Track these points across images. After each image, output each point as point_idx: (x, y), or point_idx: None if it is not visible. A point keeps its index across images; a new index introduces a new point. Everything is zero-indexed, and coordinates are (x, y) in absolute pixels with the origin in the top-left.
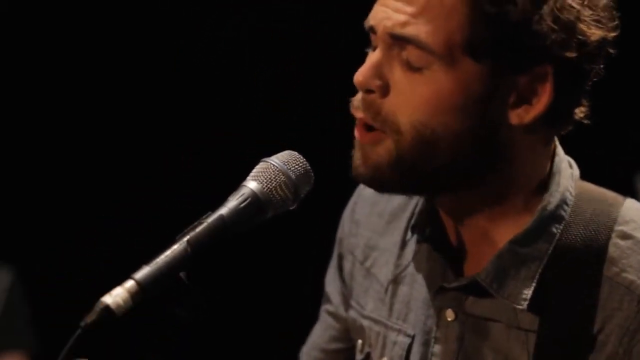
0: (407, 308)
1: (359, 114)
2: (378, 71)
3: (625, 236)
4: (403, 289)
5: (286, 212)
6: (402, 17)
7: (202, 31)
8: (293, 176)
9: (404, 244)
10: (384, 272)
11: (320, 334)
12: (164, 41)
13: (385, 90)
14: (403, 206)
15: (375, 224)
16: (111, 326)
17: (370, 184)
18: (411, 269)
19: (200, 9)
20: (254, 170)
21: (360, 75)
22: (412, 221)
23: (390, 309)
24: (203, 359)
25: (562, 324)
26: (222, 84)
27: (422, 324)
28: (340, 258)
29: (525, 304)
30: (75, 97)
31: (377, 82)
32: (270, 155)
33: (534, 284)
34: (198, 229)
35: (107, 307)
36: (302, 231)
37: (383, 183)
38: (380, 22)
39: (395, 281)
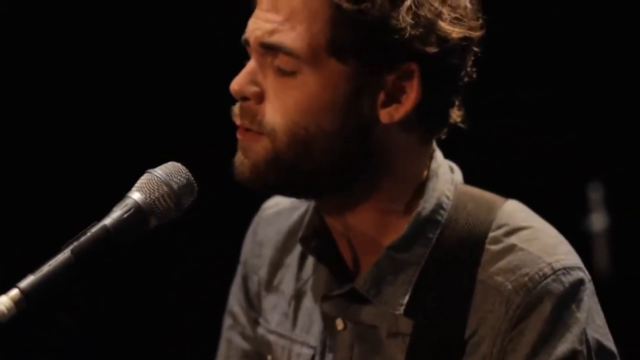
0: (310, 320)
1: (238, 121)
2: (252, 79)
3: (496, 240)
4: (305, 302)
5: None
6: (269, 26)
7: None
8: (175, 187)
9: (303, 257)
10: (288, 288)
11: (228, 355)
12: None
13: (260, 96)
14: (300, 221)
15: (276, 242)
16: None
17: (250, 183)
18: (311, 281)
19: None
20: (138, 182)
21: (235, 84)
22: (300, 234)
23: (294, 322)
24: None
25: (436, 328)
26: None
27: (321, 335)
28: (245, 279)
29: (402, 309)
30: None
31: (252, 89)
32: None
33: (410, 289)
34: (82, 239)
35: None
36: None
37: (262, 182)
38: (252, 33)
39: (297, 295)
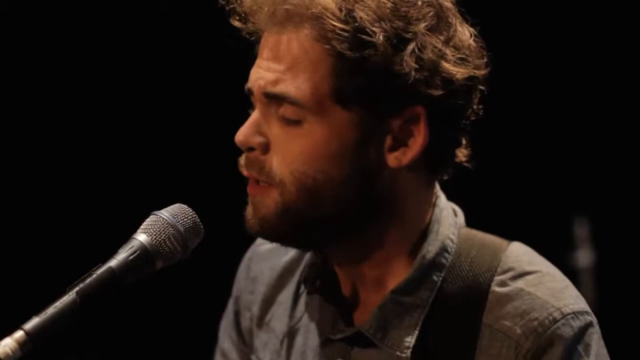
0: (303, 359)
1: (245, 172)
2: (257, 129)
3: (502, 284)
4: (298, 340)
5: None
6: (272, 76)
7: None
8: (182, 229)
9: (297, 296)
10: (280, 325)
11: None
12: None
13: (265, 146)
14: (297, 260)
15: (269, 279)
16: None
17: (262, 236)
18: (305, 320)
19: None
20: (144, 223)
21: (240, 135)
22: (303, 274)
23: None
24: None
25: None
26: None
27: None
28: (237, 315)
29: (408, 352)
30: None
31: (257, 140)
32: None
33: (416, 332)
34: (87, 280)
35: None
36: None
37: (273, 234)
38: (255, 83)
39: (290, 333)
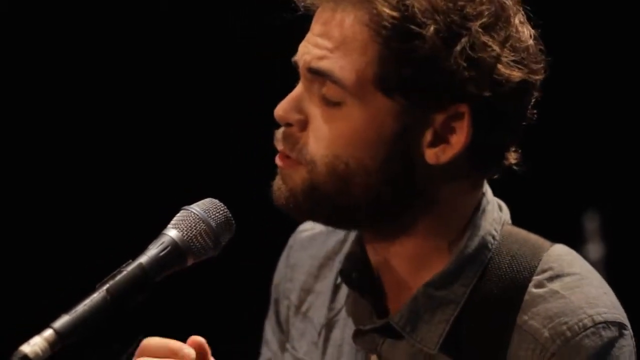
0: (339, 352)
1: (279, 147)
2: (297, 105)
3: (539, 285)
4: (336, 333)
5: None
6: (319, 52)
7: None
8: (214, 224)
9: (337, 287)
10: (318, 316)
11: None
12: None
13: (303, 124)
14: (337, 249)
15: (309, 267)
16: None
17: (286, 209)
18: (343, 312)
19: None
20: (175, 218)
21: (280, 110)
22: (337, 263)
23: (323, 352)
24: None
25: None
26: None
27: None
28: (277, 303)
29: (437, 348)
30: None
31: (296, 117)
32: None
33: (447, 328)
34: (117, 278)
35: (25, 357)
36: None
37: (298, 210)
38: (301, 57)
39: (328, 325)
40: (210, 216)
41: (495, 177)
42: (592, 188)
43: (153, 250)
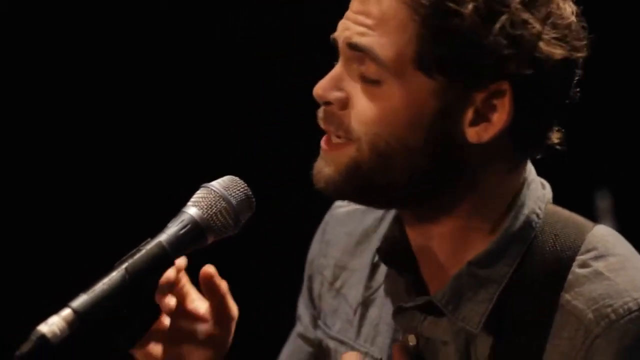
0: (375, 331)
1: (323, 125)
2: (337, 84)
3: (583, 265)
4: (372, 311)
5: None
6: (360, 28)
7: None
8: (234, 202)
9: (374, 266)
10: (353, 294)
11: (288, 356)
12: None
13: (344, 102)
14: (374, 227)
15: (345, 244)
16: (48, 356)
17: (326, 191)
18: (381, 291)
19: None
20: (195, 196)
21: (319, 89)
22: (375, 242)
23: (359, 331)
24: None
25: (513, 350)
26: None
27: (388, 348)
28: (310, 279)
29: (479, 328)
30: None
31: (336, 95)
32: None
33: (489, 307)
34: (136, 256)
35: (43, 336)
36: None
37: (339, 190)
38: (341, 33)
39: (365, 303)
40: (231, 194)
41: (539, 157)
42: (603, 167)
43: (173, 229)
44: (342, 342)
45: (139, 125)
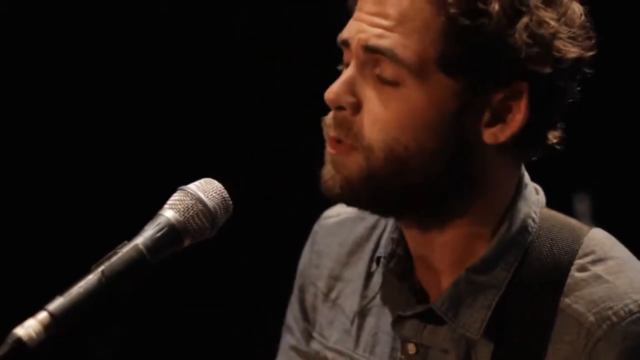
0: (374, 340)
1: (331, 133)
2: (350, 88)
3: (582, 268)
4: (370, 321)
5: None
6: (377, 31)
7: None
8: (210, 205)
9: (369, 274)
10: (350, 304)
11: None
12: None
13: (357, 107)
14: (366, 236)
15: (337, 254)
16: (24, 359)
17: (340, 198)
18: (378, 300)
19: None
20: (171, 199)
21: (331, 93)
22: (377, 252)
23: (357, 340)
24: None
25: (514, 355)
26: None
27: (387, 357)
28: (302, 290)
29: (479, 334)
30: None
31: (349, 99)
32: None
33: (489, 314)
34: (113, 259)
35: (19, 340)
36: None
37: (354, 198)
38: (354, 36)
39: (362, 312)
40: (208, 196)
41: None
42: (582, 171)
43: (149, 231)
44: (340, 353)
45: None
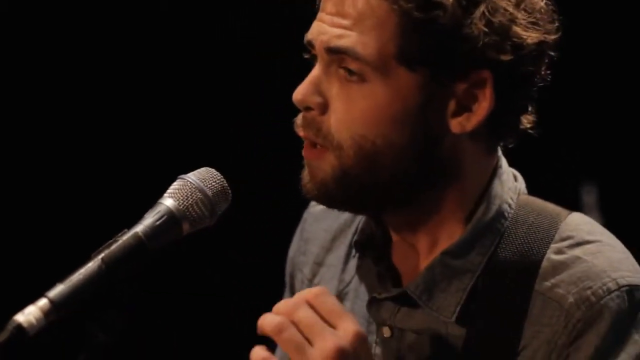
0: None
1: (301, 133)
2: (317, 88)
3: (559, 251)
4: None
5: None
6: (337, 31)
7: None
8: (210, 193)
9: (347, 259)
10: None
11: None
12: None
13: (324, 107)
14: (349, 222)
15: (322, 240)
16: (24, 346)
17: (318, 200)
18: (354, 284)
19: None
20: (171, 188)
21: (298, 94)
22: (355, 237)
23: None
24: None
25: (488, 338)
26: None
27: None
28: (292, 277)
29: (453, 317)
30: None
31: (316, 99)
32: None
33: (464, 297)
34: (113, 247)
35: (19, 326)
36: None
37: (330, 198)
38: (317, 37)
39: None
40: (207, 185)
41: (511, 145)
42: (590, 161)
43: (149, 220)
44: None
45: (132, 121)
